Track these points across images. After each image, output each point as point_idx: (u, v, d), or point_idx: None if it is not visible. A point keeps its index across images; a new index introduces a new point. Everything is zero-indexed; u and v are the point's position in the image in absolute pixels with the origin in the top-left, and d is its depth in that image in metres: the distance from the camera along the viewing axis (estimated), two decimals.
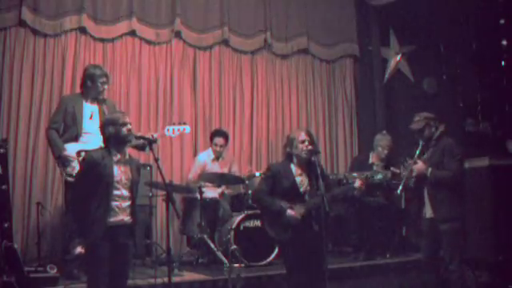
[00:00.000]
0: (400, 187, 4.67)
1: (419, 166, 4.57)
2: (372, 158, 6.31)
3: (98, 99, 4.99)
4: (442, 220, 4.50)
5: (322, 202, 3.90)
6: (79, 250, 3.60)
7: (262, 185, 4.33)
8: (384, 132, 6.58)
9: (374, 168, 6.11)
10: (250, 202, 5.81)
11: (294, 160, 4.27)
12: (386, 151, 6.19)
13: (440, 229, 4.50)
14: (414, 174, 4.60)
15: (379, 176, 5.15)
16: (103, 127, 3.76)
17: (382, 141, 6.26)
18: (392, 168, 5.19)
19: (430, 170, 4.52)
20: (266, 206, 4.23)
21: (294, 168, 4.25)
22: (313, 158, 4.16)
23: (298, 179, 4.22)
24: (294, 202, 4.14)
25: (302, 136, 4.24)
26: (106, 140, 3.76)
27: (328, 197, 4.02)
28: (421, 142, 4.69)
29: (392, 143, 6.25)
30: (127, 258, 3.72)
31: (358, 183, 4.45)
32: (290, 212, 4.09)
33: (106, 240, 3.53)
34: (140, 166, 4.00)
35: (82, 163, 4.01)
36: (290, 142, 4.31)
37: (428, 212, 4.62)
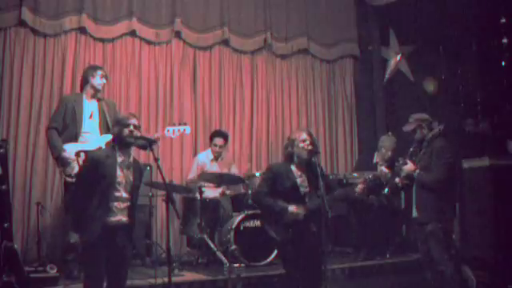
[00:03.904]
0: (386, 188, 4.72)
1: (408, 166, 4.62)
2: (376, 158, 6.34)
3: (97, 97, 4.99)
4: (424, 221, 4.56)
5: (322, 203, 3.90)
6: (77, 239, 3.58)
7: (262, 185, 4.33)
8: (389, 133, 6.59)
9: (378, 167, 6.13)
10: (250, 201, 5.81)
11: (295, 160, 4.27)
12: (389, 153, 6.20)
13: (425, 230, 4.54)
14: (403, 174, 4.64)
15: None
16: (111, 126, 3.81)
17: (386, 142, 6.28)
18: (382, 168, 5.23)
19: (417, 171, 4.56)
20: (267, 206, 4.22)
21: (294, 169, 4.25)
22: (313, 159, 4.16)
23: (299, 180, 4.22)
24: (294, 203, 4.14)
25: (303, 136, 4.25)
26: (112, 139, 3.82)
27: (329, 198, 4.02)
28: (413, 144, 4.73)
29: (396, 145, 6.26)
30: (125, 258, 3.72)
31: (359, 187, 4.45)
32: (291, 208, 4.09)
33: (104, 240, 3.53)
34: (143, 170, 4.01)
35: (85, 161, 4.02)
36: (290, 142, 4.31)
37: (414, 212, 4.67)
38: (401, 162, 4.68)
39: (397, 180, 4.72)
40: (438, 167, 4.52)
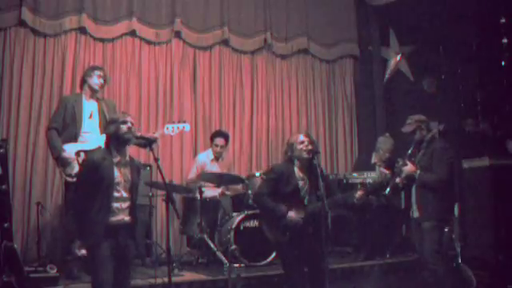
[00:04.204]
0: (388, 189, 4.74)
1: (408, 167, 4.63)
2: (374, 159, 6.35)
3: (96, 97, 5.00)
4: (423, 219, 4.59)
5: (322, 203, 3.91)
6: (83, 252, 3.58)
7: (264, 186, 4.33)
8: (387, 135, 6.59)
9: (377, 168, 6.14)
10: (250, 201, 5.81)
11: (296, 163, 4.28)
12: (387, 154, 6.22)
13: (424, 226, 4.57)
14: (403, 175, 4.66)
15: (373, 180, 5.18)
16: (105, 126, 3.76)
17: (385, 144, 6.30)
18: (381, 169, 5.24)
19: (418, 172, 4.57)
20: (267, 209, 4.23)
21: (296, 170, 4.26)
22: (314, 161, 4.16)
23: (301, 183, 4.23)
24: (293, 205, 4.15)
25: (301, 138, 4.27)
26: (107, 140, 3.76)
27: (329, 201, 4.03)
28: (412, 145, 4.74)
29: (394, 146, 6.27)
30: (128, 257, 3.71)
31: (358, 194, 4.46)
32: (291, 214, 4.10)
33: (107, 240, 3.53)
34: (140, 167, 3.99)
35: (83, 164, 4.00)
36: (289, 146, 4.33)
37: (415, 212, 4.68)
38: (400, 163, 4.69)
39: (397, 180, 4.73)
40: (441, 167, 4.55)
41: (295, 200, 4.17)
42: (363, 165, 6.30)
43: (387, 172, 4.99)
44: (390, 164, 6.17)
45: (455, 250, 5.24)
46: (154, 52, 6.71)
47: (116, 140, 3.69)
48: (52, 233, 5.67)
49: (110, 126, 3.74)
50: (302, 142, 4.23)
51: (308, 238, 4.09)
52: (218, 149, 6.25)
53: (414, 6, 7.24)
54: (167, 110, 6.69)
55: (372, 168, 6.17)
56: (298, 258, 4.09)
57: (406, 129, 4.82)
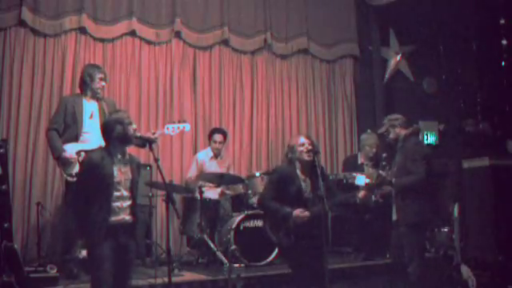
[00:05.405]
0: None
1: (384, 176, 4.55)
2: (361, 159, 6.32)
3: (97, 97, 4.99)
4: (402, 221, 4.49)
5: (322, 203, 3.92)
6: (84, 254, 3.57)
7: (269, 190, 4.34)
8: (369, 131, 6.56)
9: (365, 168, 6.11)
10: (249, 201, 5.81)
11: (297, 165, 4.29)
12: (374, 150, 6.17)
13: (401, 231, 4.50)
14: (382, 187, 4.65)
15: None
16: (108, 127, 3.69)
17: (369, 140, 6.24)
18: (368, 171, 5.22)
19: (393, 180, 4.50)
20: (273, 212, 4.23)
21: (299, 173, 4.27)
22: (315, 163, 4.17)
23: (303, 184, 4.24)
24: (297, 207, 4.16)
25: (301, 140, 4.29)
26: (108, 140, 3.70)
27: (331, 202, 4.05)
28: (383, 156, 4.70)
29: (379, 141, 6.21)
30: (129, 257, 3.69)
31: (361, 193, 4.44)
32: (296, 213, 4.11)
33: (108, 240, 3.52)
34: (140, 164, 3.98)
35: (82, 165, 3.99)
36: (290, 148, 4.34)
37: (393, 215, 4.63)
38: (388, 174, 4.62)
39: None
40: (416, 166, 4.42)
41: (299, 201, 4.17)
42: (351, 167, 6.22)
43: (374, 172, 5.00)
44: (377, 161, 6.16)
45: (455, 250, 5.24)
46: (154, 52, 6.71)
47: (121, 140, 3.67)
48: (52, 233, 5.67)
49: (116, 126, 3.65)
50: (303, 145, 4.24)
51: (312, 240, 4.09)
52: (217, 145, 6.25)
53: (414, 6, 7.26)
54: (167, 110, 6.69)
55: (361, 168, 6.11)
56: (302, 261, 4.10)
57: (380, 130, 4.79)
